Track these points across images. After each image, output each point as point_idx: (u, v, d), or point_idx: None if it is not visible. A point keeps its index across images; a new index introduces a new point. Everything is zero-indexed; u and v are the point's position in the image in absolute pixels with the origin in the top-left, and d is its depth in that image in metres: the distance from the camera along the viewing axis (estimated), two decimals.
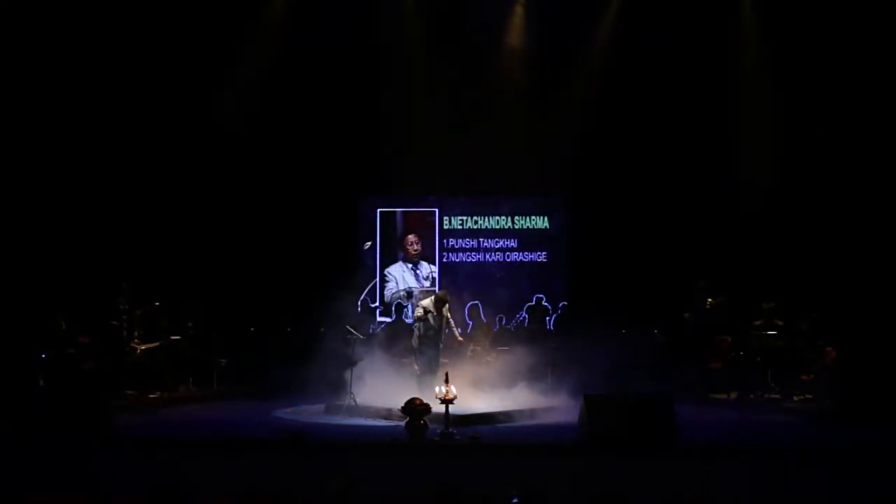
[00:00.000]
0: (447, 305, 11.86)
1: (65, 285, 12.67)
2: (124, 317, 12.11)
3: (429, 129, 14.60)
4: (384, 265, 15.39)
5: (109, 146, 13.67)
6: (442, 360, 11.58)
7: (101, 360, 12.08)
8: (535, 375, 12.08)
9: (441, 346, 11.76)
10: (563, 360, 12.53)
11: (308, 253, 14.63)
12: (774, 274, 13.28)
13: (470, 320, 14.54)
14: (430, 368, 11.31)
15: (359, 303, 14.98)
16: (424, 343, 11.65)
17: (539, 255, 15.29)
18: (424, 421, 9.44)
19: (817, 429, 10.56)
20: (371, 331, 14.53)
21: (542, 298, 15.06)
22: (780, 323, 12.19)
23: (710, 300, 12.79)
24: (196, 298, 13.50)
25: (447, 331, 11.84)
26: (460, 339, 12.04)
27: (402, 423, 9.55)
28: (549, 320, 14.95)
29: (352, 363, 11.48)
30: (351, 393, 11.23)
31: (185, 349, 13.12)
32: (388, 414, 10.59)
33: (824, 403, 11.18)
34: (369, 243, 15.01)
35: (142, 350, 12.26)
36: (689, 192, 14.41)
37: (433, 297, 11.89)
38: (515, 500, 5.38)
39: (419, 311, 11.73)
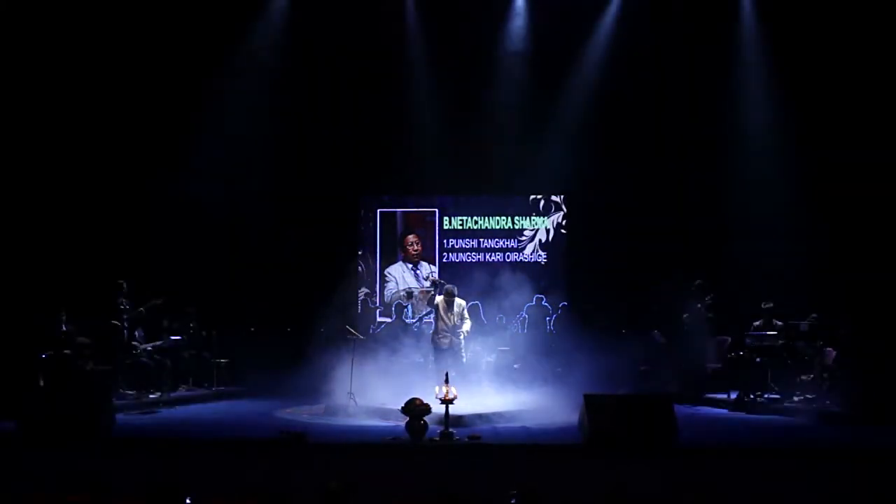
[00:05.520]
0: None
1: (65, 285, 12.66)
2: (125, 316, 12.11)
3: (429, 130, 14.62)
4: (384, 265, 15.40)
5: (110, 146, 13.68)
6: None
7: (101, 360, 12.10)
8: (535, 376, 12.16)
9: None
10: (562, 361, 12.57)
11: (308, 253, 14.64)
12: (774, 274, 13.27)
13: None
14: None
15: (359, 303, 14.98)
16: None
17: (539, 256, 15.29)
18: (424, 421, 9.44)
19: (817, 429, 10.56)
20: (371, 331, 14.57)
21: (541, 299, 15.06)
22: (779, 323, 12.19)
23: (707, 299, 12.78)
24: (196, 298, 13.51)
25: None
26: None
27: (402, 423, 9.55)
28: (549, 320, 14.95)
29: (351, 363, 11.48)
30: (351, 393, 11.24)
31: (185, 349, 13.13)
32: (388, 414, 10.59)
33: (824, 403, 11.17)
34: None
35: (142, 350, 12.25)
36: (689, 192, 14.42)
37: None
38: (514, 501, 5.39)
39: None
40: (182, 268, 13.65)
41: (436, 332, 11.99)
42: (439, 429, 9.48)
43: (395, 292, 15.29)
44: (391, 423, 10.21)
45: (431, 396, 9.60)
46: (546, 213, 15.29)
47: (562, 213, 15.26)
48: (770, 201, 13.79)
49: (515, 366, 12.93)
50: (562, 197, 15.26)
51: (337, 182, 14.96)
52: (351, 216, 15.35)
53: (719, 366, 12.83)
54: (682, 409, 10.34)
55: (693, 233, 14.13)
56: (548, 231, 15.29)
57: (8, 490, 6.76)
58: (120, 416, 10.47)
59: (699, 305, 12.77)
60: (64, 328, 11.91)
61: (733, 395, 12.22)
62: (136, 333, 12.38)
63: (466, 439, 9.44)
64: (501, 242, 15.35)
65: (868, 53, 13.10)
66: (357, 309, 14.88)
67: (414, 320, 14.60)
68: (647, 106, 14.48)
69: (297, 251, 14.62)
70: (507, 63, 14.72)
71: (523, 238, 15.31)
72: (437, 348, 11.85)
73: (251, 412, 11.96)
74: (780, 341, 12.02)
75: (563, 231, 15.25)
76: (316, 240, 14.76)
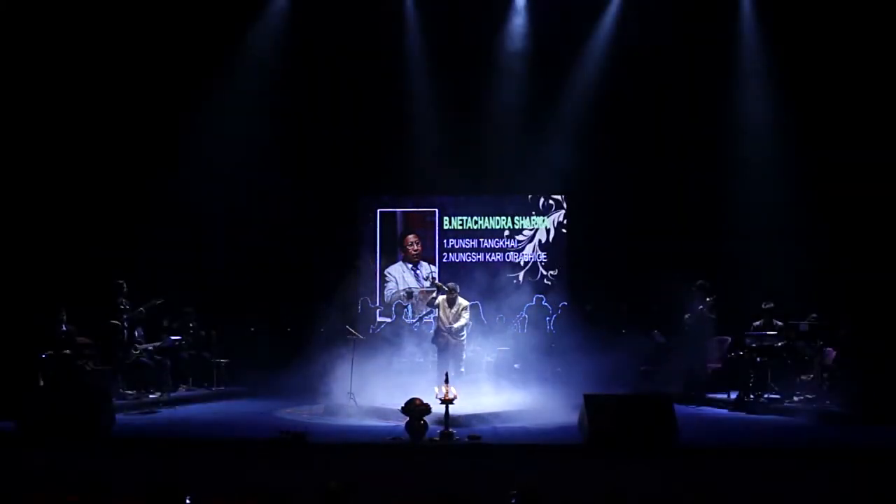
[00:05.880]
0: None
1: (65, 285, 12.66)
2: (125, 316, 12.11)
3: (429, 129, 14.62)
4: (384, 265, 15.39)
5: (109, 146, 13.68)
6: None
7: (101, 360, 12.09)
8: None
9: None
10: (562, 361, 12.57)
11: (308, 253, 14.65)
12: (774, 274, 13.26)
13: (470, 321, 14.54)
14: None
15: (359, 303, 14.97)
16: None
17: (539, 256, 15.29)
18: (424, 421, 9.44)
19: (817, 429, 10.56)
20: (371, 331, 14.57)
21: (541, 299, 15.06)
22: (779, 323, 12.19)
23: (708, 300, 12.78)
24: (196, 298, 13.51)
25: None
26: None
27: (402, 424, 9.55)
28: (549, 320, 14.95)
29: (351, 363, 11.49)
30: (351, 393, 11.24)
31: (185, 349, 13.13)
32: (387, 414, 10.59)
33: (824, 403, 11.17)
34: None
35: (142, 350, 12.25)
36: (689, 192, 14.42)
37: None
38: (514, 501, 5.39)
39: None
40: (182, 267, 13.67)
41: (436, 331, 12.07)
42: (439, 429, 9.47)
43: (395, 292, 15.29)
44: (391, 423, 10.20)
45: (431, 396, 9.60)
46: (546, 212, 15.29)
47: (562, 212, 15.25)
48: (770, 201, 13.78)
49: (516, 365, 12.94)
50: (562, 196, 15.26)
51: (337, 182, 14.96)
52: (351, 216, 15.35)
53: (719, 366, 12.83)
54: (682, 409, 10.33)
55: (693, 233, 14.13)
56: (548, 231, 15.28)
57: (8, 490, 6.76)
58: (120, 416, 10.46)
59: (701, 307, 12.77)
60: (64, 328, 11.91)
61: (733, 395, 12.22)
62: (136, 333, 12.38)
63: (466, 439, 9.43)
64: (501, 242, 15.35)
65: (868, 53, 13.10)
66: (357, 309, 14.88)
67: (414, 320, 14.61)
68: (647, 106, 14.48)
69: (297, 251, 14.62)
70: (507, 62, 14.71)
71: (522, 238, 15.31)
72: (438, 348, 11.92)
73: (251, 412, 11.96)
74: (780, 341, 12.02)
75: (563, 231, 15.24)
76: (316, 240, 14.77)
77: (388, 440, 9.48)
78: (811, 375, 11.65)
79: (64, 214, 13.30)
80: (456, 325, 11.81)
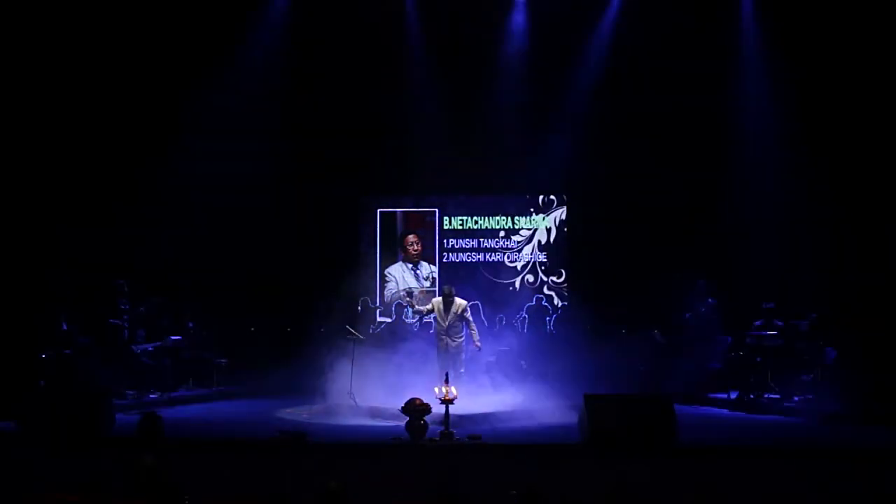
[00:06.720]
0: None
1: (65, 285, 12.66)
2: (125, 316, 12.11)
3: (429, 130, 14.61)
4: (384, 265, 15.39)
5: (109, 146, 13.68)
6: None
7: (101, 360, 12.09)
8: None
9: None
10: (562, 361, 12.56)
11: (308, 253, 14.64)
12: (774, 274, 13.26)
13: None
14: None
15: (359, 303, 14.97)
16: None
17: (539, 255, 15.29)
18: (424, 421, 9.45)
19: (817, 429, 10.56)
20: (371, 331, 14.57)
21: (541, 299, 15.05)
22: (779, 323, 12.19)
23: (710, 300, 12.78)
24: (196, 298, 13.51)
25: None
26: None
27: (402, 424, 9.55)
28: (549, 321, 14.94)
29: (351, 363, 11.48)
30: (351, 393, 11.24)
31: (185, 349, 13.13)
32: (388, 414, 10.59)
33: (824, 403, 11.17)
34: None
35: (142, 350, 12.25)
36: (690, 192, 14.41)
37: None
38: (515, 501, 5.40)
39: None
40: (182, 268, 13.66)
41: (435, 333, 12.03)
42: (439, 429, 9.48)
43: (395, 292, 15.29)
44: (391, 423, 10.21)
45: (431, 396, 9.61)
46: (546, 209, 15.25)
47: (563, 209, 15.23)
48: (770, 201, 13.78)
49: (522, 363, 12.91)
50: (562, 196, 15.24)
51: (337, 182, 14.95)
52: (351, 216, 15.34)
53: (719, 366, 12.83)
54: (682, 409, 10.33)
55: (693, 233, 14.11)
56: (548, 230, 15.27)
57: (8, 490, 6.76)
58: (120, 416, 10.46)
59: (703, 309, 12.76)
60: (64, 328, 11.91)
61: (733, 395, 12.22)
62: (137, 333, 12.38)
63: (466, 439, 9.44)
64: (501, 242, 15.34)
65: (869, 53, 13.09)
66: (357, 309, 14.87)
67: (414, 320, 14.59)
68: (647, 105, 14.46)
69: (298, 251, 14.62)
70: (507, 62, 14.71)
71: (520, 238, 15.29)
72: (437, 349, 11.88)
73: (251, 412, 11.96)
74: (780, 341, 12.02)
75: (564, 230, 15.23)
76: (316, 240, 14.77)
77: (388, 440, 9.48)
78: (811, 375, 11.66)
79: (64, 215, 13.29)
80: (474, 339, 11.74)
